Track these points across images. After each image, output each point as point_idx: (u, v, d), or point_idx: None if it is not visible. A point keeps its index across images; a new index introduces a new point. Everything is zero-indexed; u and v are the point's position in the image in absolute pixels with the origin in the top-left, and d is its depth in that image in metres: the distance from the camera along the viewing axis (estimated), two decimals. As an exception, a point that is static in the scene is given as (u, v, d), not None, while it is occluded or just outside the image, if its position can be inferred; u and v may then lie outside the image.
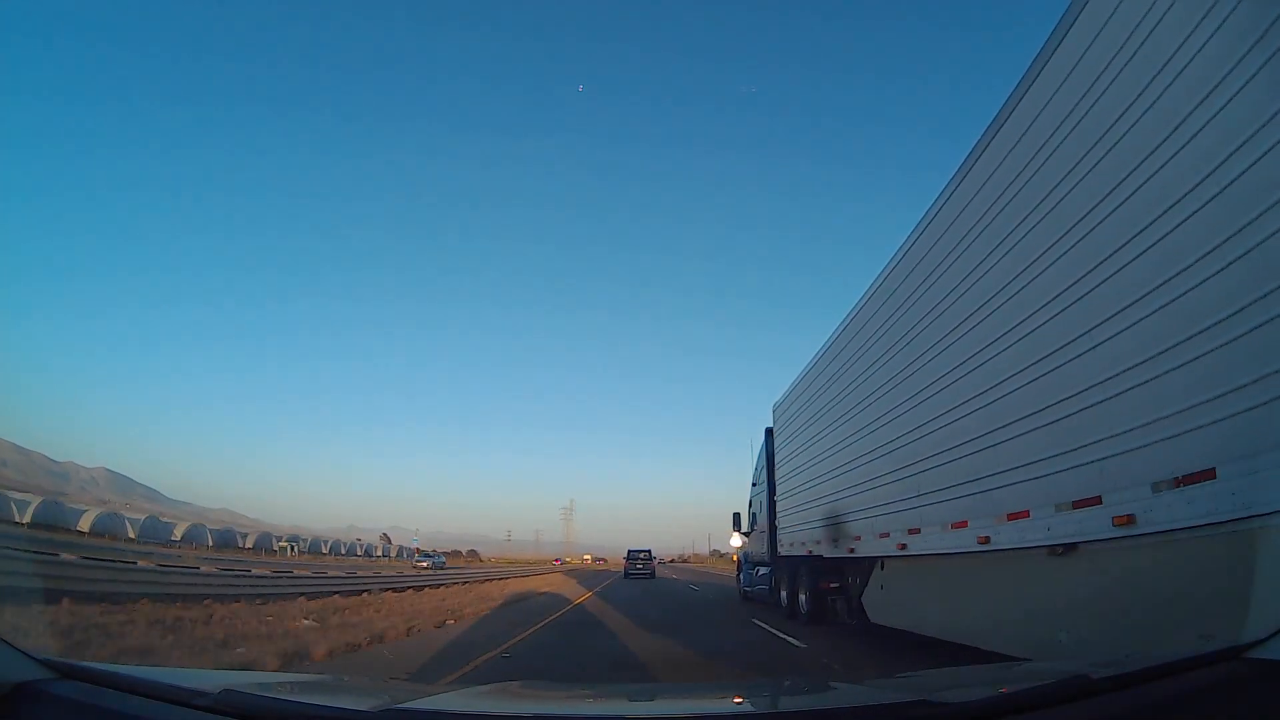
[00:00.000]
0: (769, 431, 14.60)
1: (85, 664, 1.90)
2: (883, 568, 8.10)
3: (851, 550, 8.56)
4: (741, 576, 18.21)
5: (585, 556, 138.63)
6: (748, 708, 2.47)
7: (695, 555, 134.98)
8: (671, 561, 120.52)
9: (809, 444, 11.17)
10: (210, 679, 2.25)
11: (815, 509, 10.49)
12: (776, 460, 13.60)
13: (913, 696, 2.03)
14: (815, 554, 10.47)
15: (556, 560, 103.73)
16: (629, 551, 37.63)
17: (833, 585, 10.29)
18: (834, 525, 9.34)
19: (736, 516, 18.01)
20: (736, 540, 18.56)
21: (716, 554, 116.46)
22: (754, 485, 16.17)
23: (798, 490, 11.86)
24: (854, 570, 9.31)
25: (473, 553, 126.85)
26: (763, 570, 14.97)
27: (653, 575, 34.02)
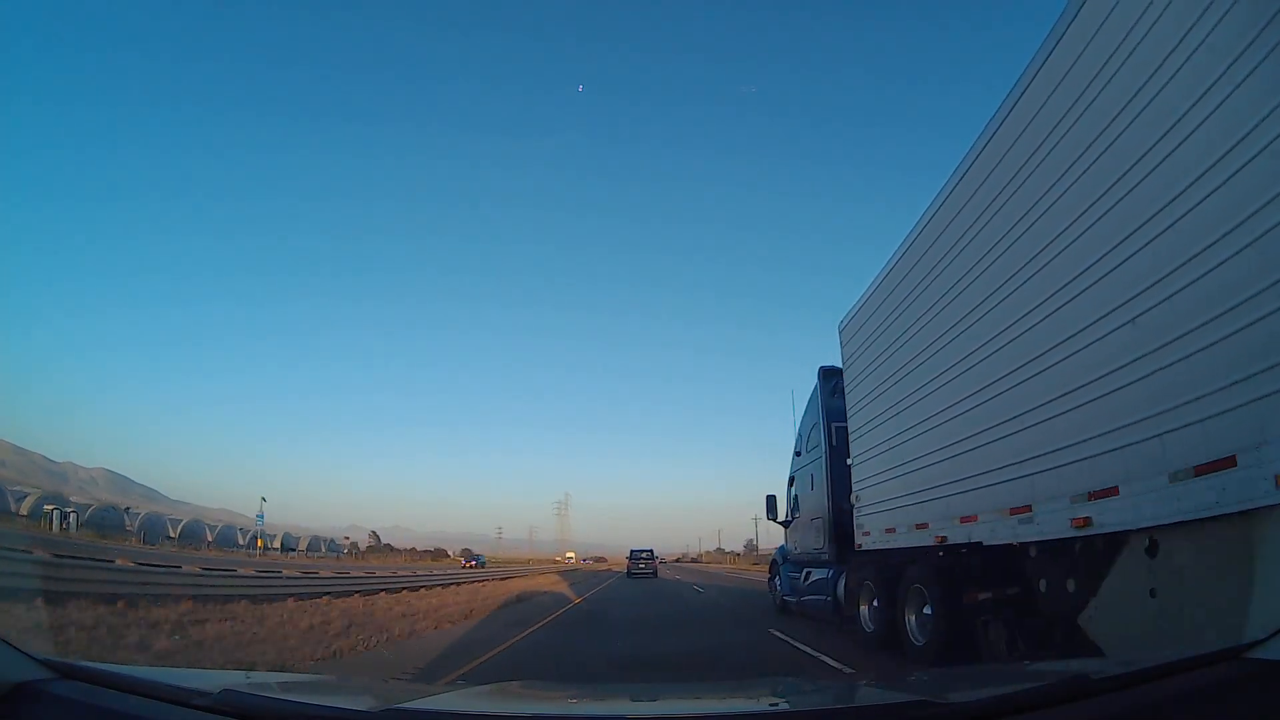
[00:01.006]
0: (828, 372, 10.62)
1: (85, 664, 1.90)
2: (1154, 552, 3.92)
3: (1084, 521, 4.38)
4: (778, 582, 13.39)
5: (569, 555, 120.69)
6: (748, 707, 2.47)
7: (705, 554, 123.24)
8: (676, 561, 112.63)
9: (927, 354, 7.00)
10: (210, 679, 2.25)
11: (954, 461, 6.34)
12: (850, 404, 9.37)
13: (913, 696, 2.03)
14: (954, 543, 6.31)
15: (468, 563, 64.59)
16: (631, 551, 40.94)
17: (983, 596, 5.88)
18: (1013, 480, 5.31)
19: (770, 501, 13.39)
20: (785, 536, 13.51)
21: (723, 553, 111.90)
22: (797, 455, 12.10)
23: (902, 439, 7.59)
24: (1050, 567, 5.08)
25: (466, 551, 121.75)
26: (817, 574, 10.69)
27: (655, 574, 37.12)
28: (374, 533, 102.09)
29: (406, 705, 1.92)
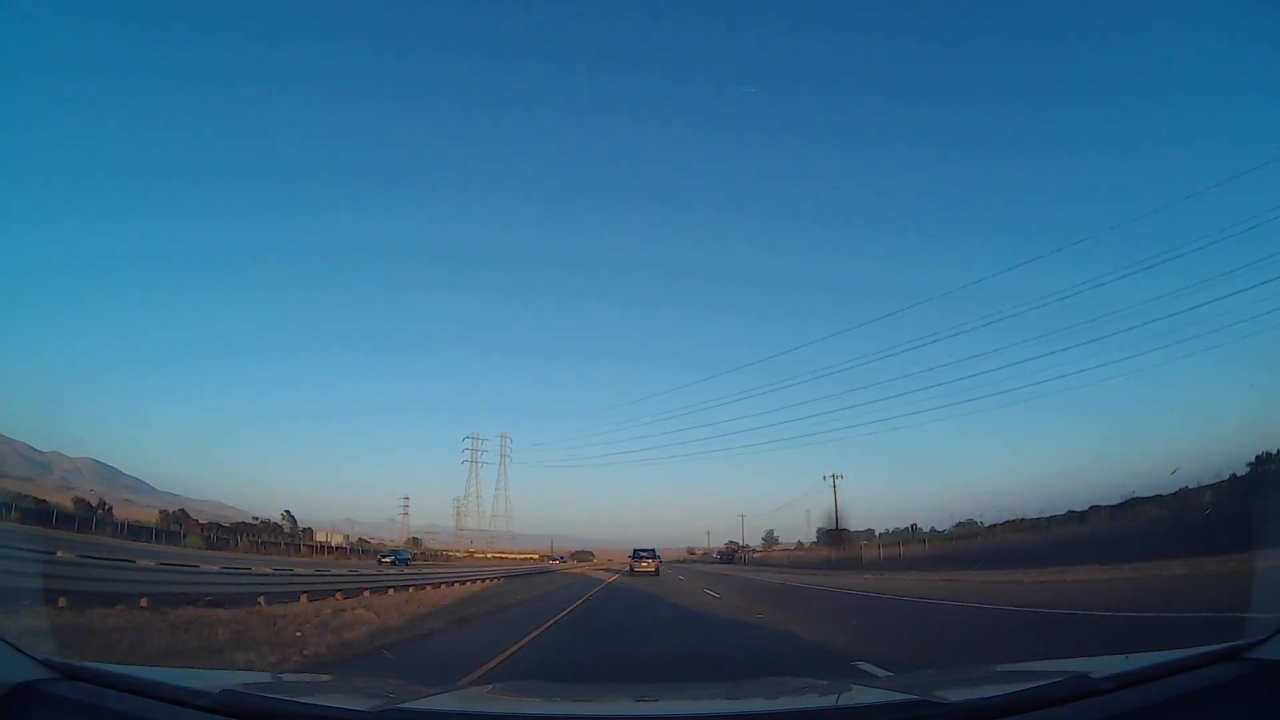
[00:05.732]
0: None
1: (85, 664, 1.90)
2: None
3: None
4: None
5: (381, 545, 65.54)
6: (748, 707, 2.48)
7: (771, 550, 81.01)
8: (696, 561, 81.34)
9: None
10: (210, 679, 2.24)
11: None
12: None
13: (913, 696, 2.04)
14: None
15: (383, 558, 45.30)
16: (635, 550, 39.78)
17: None
18: None
19: None
20: None
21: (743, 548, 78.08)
22: None
23: None
24: None
25: (415, 540, 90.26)
26: None
27: (657, 573, 35.44)
28: (287, 512, 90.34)
29: (406, 705, 1.92)
